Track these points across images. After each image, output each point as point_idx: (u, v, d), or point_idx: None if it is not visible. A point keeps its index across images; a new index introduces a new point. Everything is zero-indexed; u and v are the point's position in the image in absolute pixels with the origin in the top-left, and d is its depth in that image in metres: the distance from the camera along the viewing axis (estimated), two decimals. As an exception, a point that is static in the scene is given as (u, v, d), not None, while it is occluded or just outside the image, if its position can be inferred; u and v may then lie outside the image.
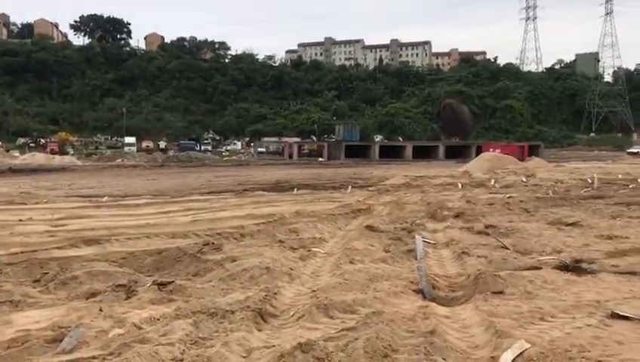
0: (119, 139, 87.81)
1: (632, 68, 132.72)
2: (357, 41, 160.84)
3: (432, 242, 8.42)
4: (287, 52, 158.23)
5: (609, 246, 7.70)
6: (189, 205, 14.72)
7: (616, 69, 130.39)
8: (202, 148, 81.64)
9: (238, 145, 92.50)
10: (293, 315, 4.93)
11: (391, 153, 67.72)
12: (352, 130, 79.18)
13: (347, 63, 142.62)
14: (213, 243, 8.17)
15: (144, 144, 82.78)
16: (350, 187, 19.66)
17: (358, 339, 3.99)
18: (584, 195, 15.51)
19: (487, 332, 4.29)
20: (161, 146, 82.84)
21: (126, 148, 74.87)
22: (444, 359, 3.81)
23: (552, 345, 3.88)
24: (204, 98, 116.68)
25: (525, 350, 3.79)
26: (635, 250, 7.28)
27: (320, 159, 64.10)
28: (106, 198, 16.75)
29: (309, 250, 7.86)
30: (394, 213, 11.94)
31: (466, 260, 6.97)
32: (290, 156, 68.28)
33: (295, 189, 20.23)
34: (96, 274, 6.45)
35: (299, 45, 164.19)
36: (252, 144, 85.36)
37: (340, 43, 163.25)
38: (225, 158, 65.99)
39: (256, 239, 8.80)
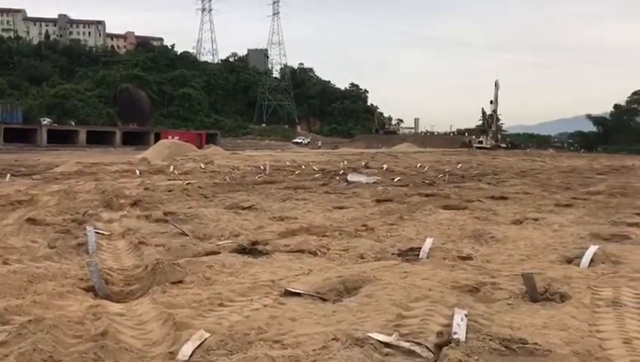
0: None
1: (295, 66, 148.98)
2: (17, 11, 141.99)
3: (107, 233, 7.74)
4: None
5: (280, 227, 8.21)
6: None
7: (282, 66, 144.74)
8: None
9: None
10: None
11: (62, 138, 62.49)
12: (13, 110, 70.15)
13: (5, 35, 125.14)
14: None
15: None
16: (9, 175, 17.09)
17: (9, 355, 3.28)
18: (258, 181, 16.57)
19: (165, 325, 4.01)
20: None
21: None
22: (116, 362, 3.39)
23: (231, 331, 3.82)
24: None
25: (205, 340, 3.64)
26: (303, 229, 7.93)
27: (-29, 144, 55.00)
28: None
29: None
30: (63, 203, 10.72)
31: (143, 250, 6.56)
32: None
33: None
34: None
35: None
36: None
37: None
38: None
39: None
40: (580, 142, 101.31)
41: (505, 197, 12.56)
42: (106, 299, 4.80)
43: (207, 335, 3.69)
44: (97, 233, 7.23)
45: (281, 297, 4.67)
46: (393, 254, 6.51)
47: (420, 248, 6.49)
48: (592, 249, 6.06)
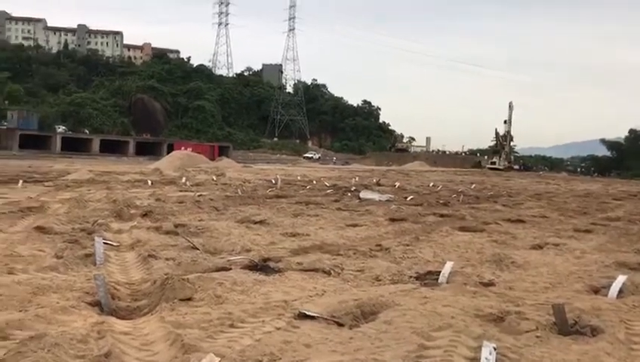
0: None
1: (309, 82, 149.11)
2: (38, 20, 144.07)
3: (116, 244, 7.55)
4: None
5: (293, 243, 7.97)
6: None
7: (296, 81, 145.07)
8: None
9: None
10: None
11: (76, 146, 63.01)
12: (29, 118, 70.75)
13: (25, 44, 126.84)
14: None
15: None
16: (21, 181, 17.03)
17: (7, 376, 3.07)
18: (269, 194, 16.37)
19: (173, 347, 3.78)
20: None
21: None
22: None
23: (243, 356, 3.59)
24: None
25: (214, 365, 3.40)
26: (316, 247, 7.68)
27: (-14, 149, 55.39)
28: None
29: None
30: (73, 212, 10.56)
31: (152, 263, 6.34)
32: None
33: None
34: None
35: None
36: None
37: (16, 19, 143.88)
38: None
39: None
40: (593, 166, 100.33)
41: (522, 221, 12.25)
42: (111, 315, 4.59)
43: (217, 359, 3.46)
44: (106, 244, 7.04)
45: (295, 320, 4.43)
46: (411, 277, 6.25)
47: (439, 271, 6.23)
48: (621, 279, 5.77)
